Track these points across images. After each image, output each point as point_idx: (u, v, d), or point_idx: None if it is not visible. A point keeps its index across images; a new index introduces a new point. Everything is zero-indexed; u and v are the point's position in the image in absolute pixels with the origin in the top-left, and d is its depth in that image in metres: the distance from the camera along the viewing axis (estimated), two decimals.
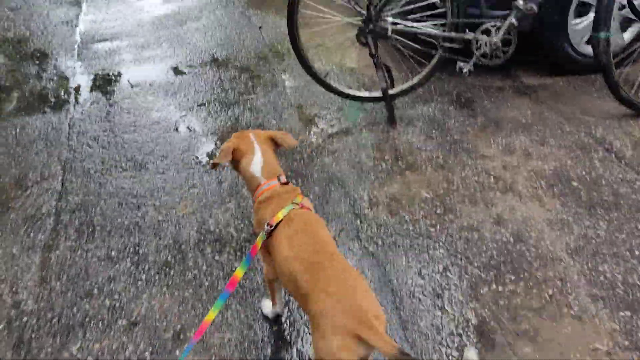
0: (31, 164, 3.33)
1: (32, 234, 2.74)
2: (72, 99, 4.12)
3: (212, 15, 5.66)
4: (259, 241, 1.69)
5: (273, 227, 1.66)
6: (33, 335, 2.15)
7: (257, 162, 1.85)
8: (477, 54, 3.13)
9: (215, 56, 4.69)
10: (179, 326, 2.15)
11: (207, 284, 2.35)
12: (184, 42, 5.06)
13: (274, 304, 2.08)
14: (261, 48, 4.78)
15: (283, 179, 1.84)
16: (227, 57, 4.65)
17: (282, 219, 1.67)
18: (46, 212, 2.88)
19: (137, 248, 2.61)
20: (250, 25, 5.30)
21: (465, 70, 3.16)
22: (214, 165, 1.89)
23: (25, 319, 2.24)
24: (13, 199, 3.01)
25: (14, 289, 2.40)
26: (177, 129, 3.64)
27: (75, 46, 5.09)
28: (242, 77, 4.29)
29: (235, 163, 1.90)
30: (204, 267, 2.45)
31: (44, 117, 3.88)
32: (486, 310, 2.09)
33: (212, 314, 1.61)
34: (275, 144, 1.96)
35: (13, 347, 2.11)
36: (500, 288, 2.19)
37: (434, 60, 3.27)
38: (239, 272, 1.67)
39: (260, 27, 5.22)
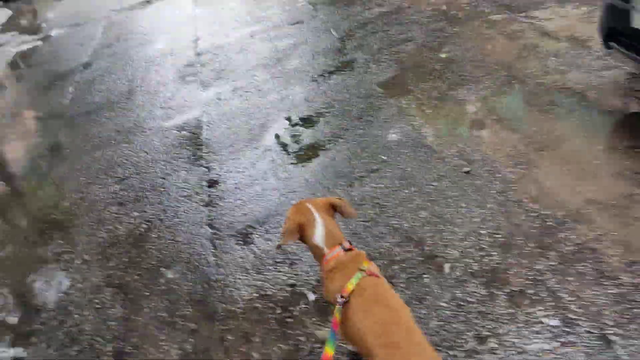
0: None
1: None
2: None
3: None
4: (337, 315, 1.65)
5: (347, 299, 1.64)
6: None
7: (319, 233, 1.84)
8: None
9: None
10: None
11: None
12: None
13: None
14: None
15: (347, 245, 1.83)
16: None
17: (353, 290, 1.66)
18: None
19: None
20: None
21: None
22: (279, 247, 1.89)
23: None
24: None
25: None
26: None
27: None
28: None
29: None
30: None
31: None
32: None
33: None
34: (335, 209, 1.96)
35: None
36: None
37: None
38: (329, 350, 1.61)
39: None
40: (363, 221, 2.84)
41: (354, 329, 1.61)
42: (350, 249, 1.82)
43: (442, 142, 3.31)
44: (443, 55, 4.31)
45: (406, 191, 2.97)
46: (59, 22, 9.15)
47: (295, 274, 2.66)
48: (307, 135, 3.80)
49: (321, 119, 3.96)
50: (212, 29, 6.50)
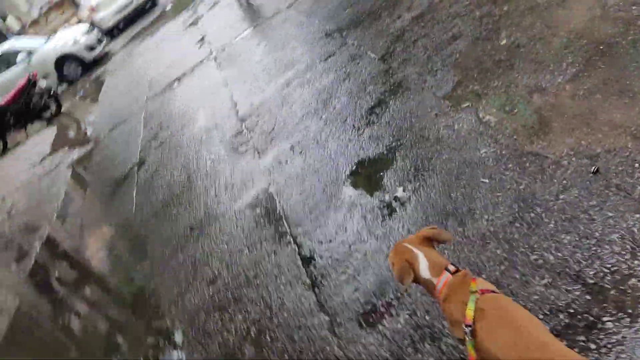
0: None
1: None
2: None
3: None
4: (471, 350, 1.57)
5: (472, 327, 1.56)
6: None
7: (423, 265, 1.81)
8: None
9: None
10: None
11: None
12: None
13: None
14: None
15: (452, 268, 1.78)
16: None
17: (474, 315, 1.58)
18: None
19: None
20: None
21: None
22: (405, 292, 2.00)
23: None
24: None
25: None
26: None
27: None
28: None
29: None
30: None
31: None
32: None
33: None
34: (430, 240, 1.92)
35: None
36: None
37: None
38: None
39: None
40: (496, 265, 2.43)
41: (488, 356, 1.53)
42: (457, 271, 1.77)
43: (546, 142, 2.84)
44: (503, 42, 3.84)
45: (532, 214, 2.53)
46: (102, 124, 9.37)
47: (441, 351, 2.27)
48: (389, 177, 3.45)
49: (396, 153, 3.60)
50: (245, 89, 6.32)
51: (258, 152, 4.84)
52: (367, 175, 3.64)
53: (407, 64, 4.47)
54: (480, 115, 3.36)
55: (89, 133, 9.56)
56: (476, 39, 4.12)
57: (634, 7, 3.17)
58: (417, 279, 1.83)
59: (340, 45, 5.68)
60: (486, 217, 2.68)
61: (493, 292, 1.69)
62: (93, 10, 16.77)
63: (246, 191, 4.42)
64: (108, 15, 16.71)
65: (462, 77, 3.85)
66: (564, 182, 2.56)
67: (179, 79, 8.57)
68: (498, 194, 2.75)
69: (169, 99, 8.02)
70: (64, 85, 14.91)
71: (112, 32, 17.37)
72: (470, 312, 1.58)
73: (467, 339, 1.57)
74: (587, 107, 2.86)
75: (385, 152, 3.69)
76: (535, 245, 2.39)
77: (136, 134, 7.55)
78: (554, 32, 3.57)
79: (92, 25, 16.08)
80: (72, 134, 10.63)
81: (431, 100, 3.83)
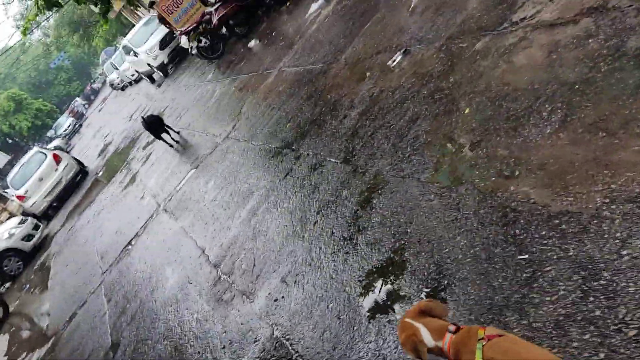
0: None
1: None
2: None
3: None
4: None
5: None
6: None
7: (427, 337, 1.84)
8: None
9: None
10: None
11: None
12: None
13: None
14: None
15: (452, 327, 1.82)
16: None
17: None
18: None
19: None
20: None
21: None
22: None
23: None
24: None
25: None
26: None
27: None
28: None
29: None
30: None
31: None
32: None
33: None
34: (425, 314, 1.94)
35: None
36: None
37: None
38: None
39: None
40: (592, 354, 2.00)
41: None
42: (457, 330, 1.80)
43: (572, 198, 2.56)
44: (466, 111, 3.73)
45: (601, 281, 2.15)
46: (58, 314, 8.47)
47: None
48: (410, 282, 3.04)
49: (405, 253, 3.23)
50: (209, 232, 5.88)
51: (246, 296, 4.32)
52: (382, 287, 3.21)
53: (374, 159, 4.26)
54: (481, 187, 3.09)
55: (45, 327, 8.62)
56: (436, 115, 4.00)
57: (589, 41, 3.13)
58: (430, 350, 1.84)
59: (295, 158, 5.47)
60: (548, 299, 2.29)
61: (500, 335, 1.67)
62: (22, 198, 16.14)
63: (248, 345, 3.83)
64: (39, 199, 16.12)
65: (439, 155, 3.65)
66: (618, 234, 2.26)
67: (131, 243, 8.01)
68: (547, 268, 2.40)
69: (127, 266, 7.39)
70: (7, 285, 13.84)
71: (47, 214, 16.69)
72: None
73: None
74: (595, 148, 2.65)
75: (391, 255, 3.32)
76: (627, 318, 2.01)
77: (101, 315, 6.79)
78: (515, 87, 3.48)
79: (25, 214, 15.40)
80: (26, 334, 9.58)
81: (418, 187, 3.57)
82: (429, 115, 4.07)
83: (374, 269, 3.36)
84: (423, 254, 3.10)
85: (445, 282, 2.83)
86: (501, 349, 1.59)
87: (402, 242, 3.32)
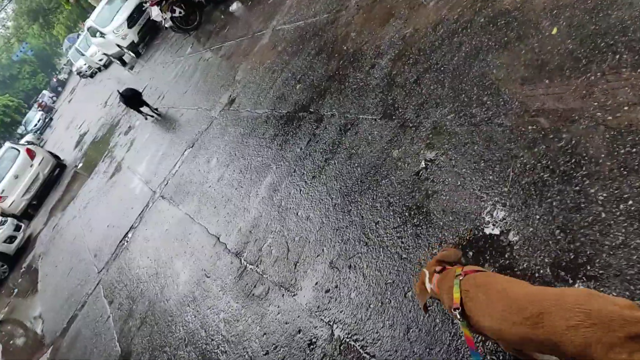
0: None
1: None
2: None
3: None
4: (464, 330, 1.66)
5: (460, 308, 1.66)
6: None
7: (426, 281, 1.98)
8: None
9: None
10: None
11: None
12: None
13: None
14: None
15: (438, 268, 1.94)
16: None
17: (460, 297, 1.67)
18: None
19: None
20: None
21: None
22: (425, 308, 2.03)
23: None
24: None
25: None
26: None
27: None
28: None
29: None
30: None
31: None
32: None
33: None
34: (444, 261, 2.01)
35: None
36: None
37: None
38: None
39: None
40: None
41: (491, 330, 1.57)
42: (442, 270, 1.93)
43: None
44: (554, 31, 2.95)
45: None
46: (54, 317, 7.63)
47: None
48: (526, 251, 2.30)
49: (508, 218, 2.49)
50: (221, 216, 5.07)
51: (285, 289, 3.56)
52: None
53: (427, 108, 3.47)
54: (612, 123, 2.34)
55: (40, 332, 7.78)
56: (505, 43, 3.21)
57: None
58: (432, 295, 1.96)
59: (316, 121, 4.66)
60: None
61: (478, 271, 1.77)
62: None
63: (302, 350, 3.09)
64: (16, 198, 14.96)
65: (527, 89, 2.88)
66: None
67: (127, 236, 7.14)
68: None
69: (127, 263, 6.55)
70: None
71: (27, 213, 15.60)
72: (457, 295, 1.68)
73: (459, 322, 1.65)
74: None
75: (484, 218, 2.58)
76: None
77: (103, 319, 5.98)
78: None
79: (3, 215, 14.31)
80: (21, 341, 8.73)
81: (504, 134, 2.80)
82: (494, 46, 3.28)
83: (463, 239, 2.63)
84: (531, 219, 2.37)
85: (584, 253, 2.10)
86: (476, 281, 1.69)
87: (498, 199, 2.57)
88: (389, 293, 2.81)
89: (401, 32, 4.37)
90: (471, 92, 3.20)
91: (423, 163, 3.19)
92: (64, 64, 52.47)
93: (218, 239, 4.83)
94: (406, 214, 3.06)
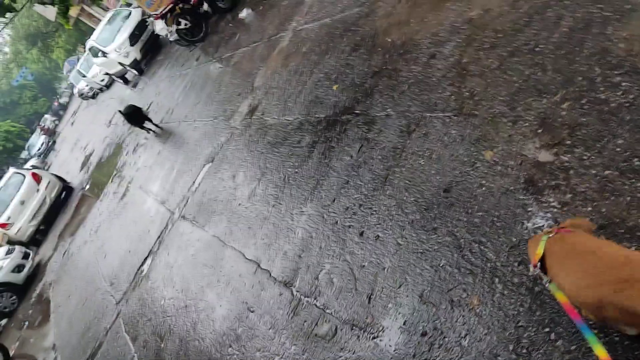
0: None
1: None
2: None
3: None
4: (560, 296, 1.45)
5: (538, 266, 1.53)
6: None
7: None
8: None
9: None
10: None
11: None
12: None
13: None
14: None
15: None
16: None
17: (542, 255, 1.52)
18: None
19: None
20: None
21: None
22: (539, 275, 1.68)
23: None
24: None
25: None
26: None
27: None
28: None
29: None
30: None
31: None
32: None
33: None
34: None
35: None
36: None
37: None
38: (595, 347, 1.27)
39: None
40: None
41: (574, 290, 1.39)
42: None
43: None
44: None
45: None
46: (69, 352, 6.89)
47: None
48: None
49: None
50: (259, 238, 4.33)
51: (361, 329, 2.83)
52: None
53: (526, 96, 2.76)
54: None
55: None
56: (629, 11, 2.52)
57: None
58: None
59: (366, 124, 3.94)
60: None
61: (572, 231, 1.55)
62: (4, 226, 14.23)
63: None
64: (24, 224, 14.20)
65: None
66: None
67: (146, 262, 6.41)
68: None
69: (149, 293, 5.80)
70: (2, 323, 12.08)
71: (35, 240, 14.86)
72: (539, 251, 1.53)
73: (547, 283, 1.50)
74: None
75: None
76: None
77: (127, 359, 5.24)
78: None
79: (11, 242, 13.58)
80: None
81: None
82: (612, 17, 2.59)
83: None
84: None
85: None
86: (565, 240, 1.50)
87: None
88: (527, 340, 2.08)
89: (464, 15, 3.68)
90: (591, 72, 2.50)
91: (535, 166, 2.48)
92: (65, 87, 51.88)
93: (259, 265, 4.10)
94: (524, 232, 2.34)
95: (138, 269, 6.48)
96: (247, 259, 4.31)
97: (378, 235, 3.14)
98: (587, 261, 1.35)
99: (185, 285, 5.02)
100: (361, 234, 3.29)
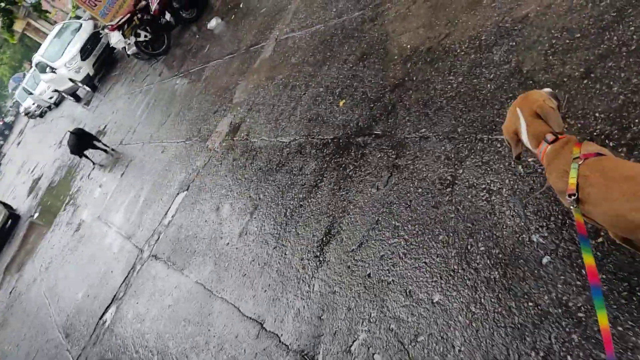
0: None
1: None
2: None
3: None
4: (578, 217, 1.40)
5: (576, 195, 1.40)
6: None
7: (524, 137, 1.68)
8: None
9: None
10: None
11: None
12: None
13: None
14: None
15: (550, 137, 1.60)
16: None
17: (578, 183, 1.41)
18: None
19: None
20: None
21: None
22: (518, 158, 1.79)
23: None
24: None
25: None
26: None
27: None
28: None
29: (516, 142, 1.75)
30: None
31: None
32: None
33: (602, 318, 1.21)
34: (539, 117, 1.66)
35: None
36: None
37: None
38: (589, 259, 1.29)
39: None
40: None
41: (609, 218, 1.36)
42: (555, 140, 1.58)
43: None
44: None
45: None
46: None
47: None
48: None
49: None
50: (259, 290, 3.47)
51: None
52: None
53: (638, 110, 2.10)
54: None
55: None
56: None
57: None
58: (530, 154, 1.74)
59: (391, 148, 3.18)
60: None
61: (598, 154, 1.46)
62: None
63: None
64: None
65: None
66: None
67: (109, 311, 5.38)
68: None
69: (114, 352, 4.76)
70: None
71: None
72: (572, 181, 1.42)
73: (572, 208, 1.42)
74: None
75: None
76: None
77: None
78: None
79: None
80: None
81: None
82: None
83: None
84: None
85: None
86: (600, 165, 1.41)
87: None
88: None
89: (514, 13, 3.01)
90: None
91: None
92: (10, 106, 48.94)
93: (262, 325, 3.24)
94: None
95: (99, 319, 5.44)
96: (245, 316, 3.44)
97: (433, 299, 2.37)
98: (630, 186, 1.28)
99: (162, 346, 4.08)
100: (406, 292, 2.51)
